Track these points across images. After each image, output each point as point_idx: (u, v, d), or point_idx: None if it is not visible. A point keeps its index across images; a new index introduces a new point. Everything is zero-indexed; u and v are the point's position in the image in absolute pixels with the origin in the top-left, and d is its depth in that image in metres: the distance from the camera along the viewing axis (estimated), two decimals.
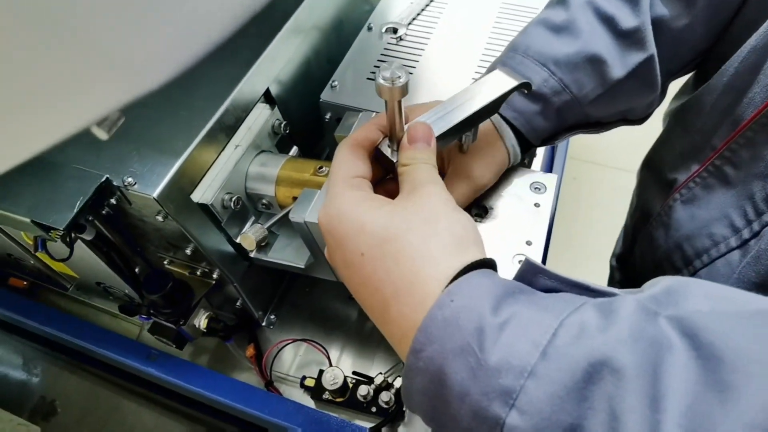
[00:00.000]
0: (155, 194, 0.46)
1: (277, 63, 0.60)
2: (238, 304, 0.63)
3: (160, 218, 0.48)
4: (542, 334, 0.25)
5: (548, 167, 0.83)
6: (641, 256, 0.58)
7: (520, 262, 0.46)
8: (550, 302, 0.27)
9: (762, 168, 0.41)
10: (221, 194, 0.53)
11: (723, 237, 0.44)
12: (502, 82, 0.43)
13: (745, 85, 0.43)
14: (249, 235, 0.46)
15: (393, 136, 0.39)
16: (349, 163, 0.37)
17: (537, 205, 0.50)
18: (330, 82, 0.64)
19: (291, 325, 0.71)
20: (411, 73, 0.66)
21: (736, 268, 0.42)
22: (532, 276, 0.31)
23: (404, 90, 0.33)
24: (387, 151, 0.40)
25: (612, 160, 1.74)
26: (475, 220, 0.49)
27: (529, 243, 0.47)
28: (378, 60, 0.68)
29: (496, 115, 0.47)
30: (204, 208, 0.52)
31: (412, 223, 0.31)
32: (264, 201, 0.57)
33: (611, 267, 0.70)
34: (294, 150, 0.65)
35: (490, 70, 0.50)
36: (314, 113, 0.66)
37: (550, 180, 0.52)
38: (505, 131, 0.48)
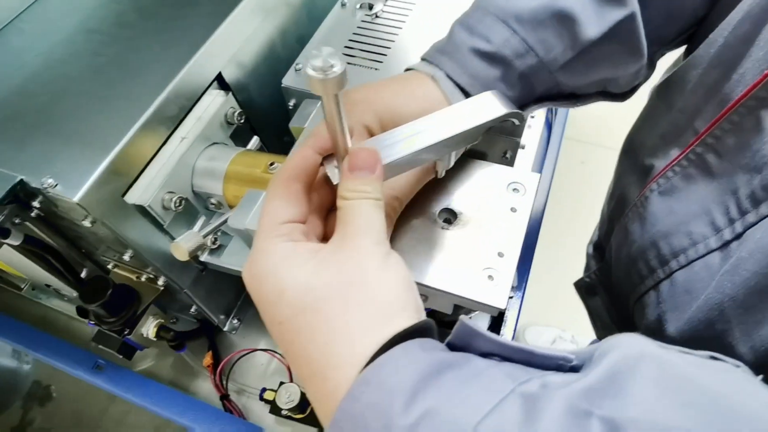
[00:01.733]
0: (77, 198, 0.41)
1: (232, 44, 0.54)
2: (192, 310, 0.58)
3: (87, 223, 0.43)
4: None
5: (544, 149, 0.76)
6: (617, 249, 0.51)
7: (490, 277, 0.40)
8: (476, 387, 0.23)
9: (748, 159, 0.34)
10: (161, 194, 0.48)
11: (702, 236, 0.38)
12: (487, 108, 0.37)
13: (735, 59, 0.36)
14: (180, 245, 0.41)
15: (337, 150, 0.32)
16: (277, 206, 0.31)
17: (513, 209, 0.43)
18: (294, 64, 0.57)
19: (259, 330, 0.66)
20: (384, 61, 0.59)
21: (715, 273, 0.36)
22: (469, 338, 0.27)
23: (340, 82, 0.27)
24: (333, 174, 0.33)
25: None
26: (442, 227, 0.43)
27: (500, 255, 0.41)
28: (350, 39, 0.61)
29: (445, 81, 0.40)
30: (142, 209, 0.47)
31: (333, 288, 0.27)
32: (213, 200, 0.51)
33: (587, 255, 0.64)
34: (254, 142, 0.59)
35: (450, 33, 0.42)
36: (280, 100, 0.59)
37: (531, 180, 0.45)
38: (457, 101, 0.40)
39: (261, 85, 0.59)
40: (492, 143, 0.53)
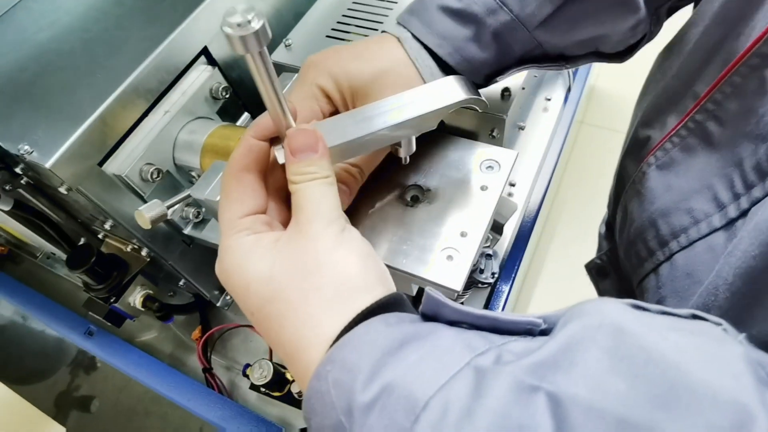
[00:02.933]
0: (49, 164, 0.42)
1: (217, 18, 0.54)
2: (181, 283, 0.59)
3: (63, 190, 0.44)
4: (406, 417, 0.21)
5: (565, 132, 0.71)
6: (619, 230, 0.47)
7: (449, 257, 0.38)
8: (434, 360, 0.23)
9: (752, 125, 0.30)
10: (140, 165, 0.48)
11: (704, 214, 0.34)
12: (446, 93, 0.35)
13: (742, 14, 0.32)
14: (142, 213, 0.41)
15: (278, 127, 0.31)
16: (233, 201, 0.31)
17: (484, 188, 0.41)
18: (284, 40, 0.56)
19: None
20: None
21: (719, 256, 0.32)
22: (436, 308, 0.27)
23: (260, 38, 0.26)
24: (280, 155, 0.32)
25: None
26: (407, 205, 0.41)
27: (463, 234, 0.39)
28: (343, 15, 0.59)
29: (411, 42, 0.38)
30: (122, 180, 0.48)
31: (292, 277, 0.28)
32: (193, 173, 0.51)
33: (599, 235, 0.59)
34: (245, 118, 0.58)
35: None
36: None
37: (507, 157, 0.42)
38: (425, 66, 0.38)
39: None
40: (479, 121, 0.50)
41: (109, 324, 0.56)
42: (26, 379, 0.57)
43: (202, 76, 0.53)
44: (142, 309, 0.56)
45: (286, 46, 0.56)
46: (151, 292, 0.57)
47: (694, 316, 0.23)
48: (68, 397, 0.56)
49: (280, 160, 0.32)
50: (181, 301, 0.65)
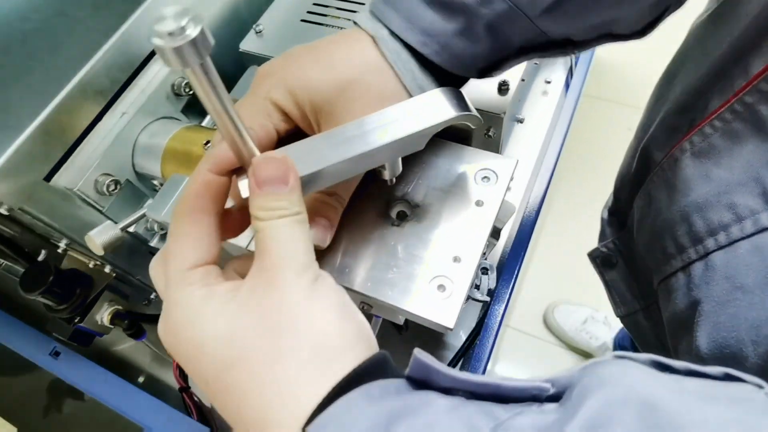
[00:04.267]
0: None
1: (177, 4, 0.47)
2: (152, 296, 0.55)
3: (3, 211, 0.39)
4: None
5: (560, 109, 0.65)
6: (639, 219, 0.43)
7: (440, 287, 0.33)
8: None
9: None
10: (94, 176, 0.43)
11: (750, 210, 0.30)
12: (435, 110, 0.30)
13: None
14: (93, 238, 0.36)
15: (238, 156, 0.26)
16: (183, 248, 0.26)
17: (479, 203, 0.36)
18: (254, 26, 0.50)
19: None
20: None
21: (767, 258, 0.29)
22: (427, 374, 0.23)
23: (199, 47, 0.20)
24: (243, 188, 0.27)
25: None
26: (393, 224, 0.36)
27: (457, 260, 0.34)
28: None
29: (389, 42, 0.32)
30: (74, 194, 0.42)
31: (257, 337, 0.24)
32: (155, 181, 0.46)
33: (602, 221, 0.55)
34: None
35: None
36: (244, 67, 0.53)
37: (505, 168, 0.37)
38: (406, 70, 0.32)
39: (222, 52, 0.53)
40: None
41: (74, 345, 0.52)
42: None
43: (162, 71, 0.47)
44: (111, 326, 0.52)
45: (257, 32, 0.50)
46: (120, 308, 0.53)
47: (728, 376, 0.20)
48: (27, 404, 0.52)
49: (244, 194, 0.27)
50: (157, 309, 0.61)
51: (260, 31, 0.50)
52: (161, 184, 0.46)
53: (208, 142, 0.41)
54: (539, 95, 0.65)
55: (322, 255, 0.35)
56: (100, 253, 0.37)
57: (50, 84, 0.40)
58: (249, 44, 0.50)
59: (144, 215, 0.39)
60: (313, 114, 0.31)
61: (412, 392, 0.23)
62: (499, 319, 0.45)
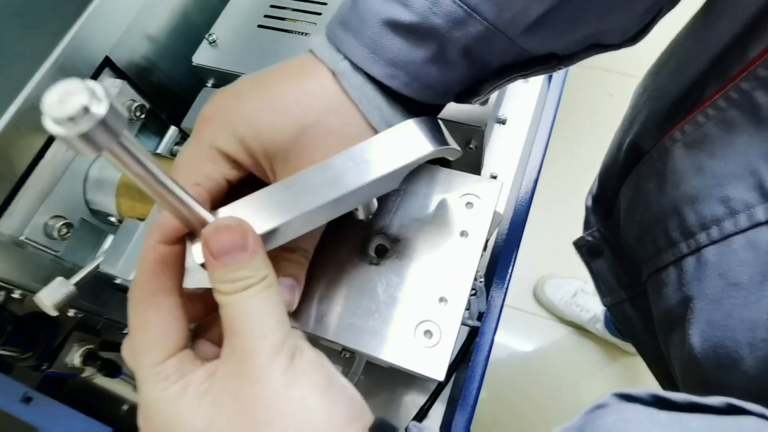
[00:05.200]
0: None
1: (119, 17, 0.43)
2: (125, 330, 0.52)
3: None
4: None
5: (548, 83, 0.62)
6: (627, 209, 0.42)
7: (427, 333, 0.31)
8: None
9: None
10: (42, 220, 0.39)
11: (745, 205, 0.29)
12: (410, 145, 0.27)
13: None
14: (42, 300, 0.33)
15: (187, 225, 0.23)
16: (151, 341, 0.24)
17: (464, 233, 0.33)
18: (207, 35, 0.46)
19: None
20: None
21: (763, 254, 0.28)
22: None
23: (112, 125, 0.16)
24: (198, 254, 0.24)
25: None
26: (371, 263, 0.33)
27: (443, 300, 0.31)
28: None
29: (351, 76, 0.28)
30: (22, 243, 0.39)
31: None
32: (112, 218, 0.42)
33: (586, 209, 0.53)
34: (171, 135, 0.48)
35: None
36: (198, 78, 0.49)
37: (489, 192, 0.34)
38: (372, 107, 0.28)
39: (173, 63, 0.48)
40: (452, 134, 0.42)
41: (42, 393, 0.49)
42: None
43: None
44: (84, 367, 0.49)
45: (210, 42, 0.45)
46: (92, 347, 0.49)
47: (731, 407, 0.19)
48: None
49: (198, 260, 0.24)
50: None
51: (214, 41, 0.45)
52: (119, 221, 0.43)
53: None
54: (519, 83, 0.62)
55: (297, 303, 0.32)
56: (53, 314, 0.34)
57: None
58: (203, 56, 0.45)
59: (97, 267, 0.35)
60: (267, 161, 0.27)
61: None
62: (489, 340, 0.43)
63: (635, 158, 0.40)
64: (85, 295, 0.45)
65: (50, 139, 0.40)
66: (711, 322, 0.30)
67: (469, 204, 0.34)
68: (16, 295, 0.43)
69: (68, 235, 0.40)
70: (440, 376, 0.29)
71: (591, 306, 1.32)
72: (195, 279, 0.27)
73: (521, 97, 0.55)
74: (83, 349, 0.49)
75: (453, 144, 0.28)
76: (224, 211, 0.25)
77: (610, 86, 1.56)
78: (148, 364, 0.23)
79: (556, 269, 1.43)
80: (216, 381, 0.23)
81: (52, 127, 0.16)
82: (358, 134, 0.28)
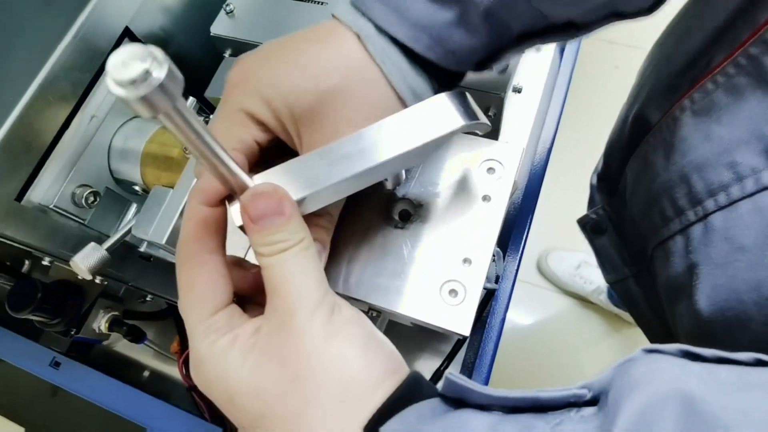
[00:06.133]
0: None
1: None
2: (148, 298, 0.53)
3: None
4: None
5: (560, 53, 0.62)
6: (633, 183, 0.42)
7: (452, 292, 0.32)
8: None
9: None
10: (70, 189, 0.40)
11: (751, 169, 0.29)
12: (442, 119, 0.27)
13: None
14: (78, 264, 0.34)
15: (227, 187, 0.24)
16: (199, 296, 0.25)
17: (486, 198, 0.34)
18: (224, 5, 0.46)
19: None
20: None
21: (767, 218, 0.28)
22: (461, 393, 0.22)
23: (169, 89, 0.17)
24: (237, 216, 0.25)
25: None
26: (396, 227, 0.34)
27: (467, 261, 0.32)
28: None
29: (376, 40, 0.28)
30: (52, 210, 0.40)
31: (283, 387, 0.23)
32: (136, 187, 0.43)
33: (591, 186, 0.54)
34: (189, 103, 0.49)
35: None
36: (214, 50, 0.49)
37: (511, 157, 0.35)
38: (395, 70, 0.29)
39: (191, 35, 0.48)
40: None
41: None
42: None
43: None
44: (110, 333, 0.51)
45: (227, 13, 0.46)
46: (117, 313, 0.51)
47: (759, 362, 0.19)
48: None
49: (237, 222, 0.25)
50: (155, 306, 0.60)
51: (231, 11, 0.46)
52: (144, 190, 0.44)
53: None
54: (532, 51, 0.62)
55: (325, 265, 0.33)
56: (88, 277, 0.35)
57: (5, 95, 0.36)
58: (220, 27, 0.45)
59: (129, 232, 0.36)
60: (292, 124, 0.28)
61: (448, 413, 0.22)
62: (505, 304, 0.44)
63: (641, 130, 0.40)
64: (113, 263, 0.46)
65: (74, 110, 0.40)
66: (716, 287, 0.31)
67: (490, 169, 0.35)
68: (45, 262, 0.44)
69: (95, 203, 0.41)
70: (466, 332, 0.31)
71: (594, 278, 1.34)
72: (234, 244, 0.28)
73: (534, 66, 0.55)
74: (109, 315, 0.51)
75: (483, 118, 0.29)
76: (260, 178, 0.26)
77: (617, 59, 1.55)
78: (197, 319, 0.25)
79: (559, 242, 1.44)
80: (260, 336, 0.24)
81: (114, 89, 0.17)
82: (382, 98, 0.29)
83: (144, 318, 0.55)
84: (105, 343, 0.58)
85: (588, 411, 0.20)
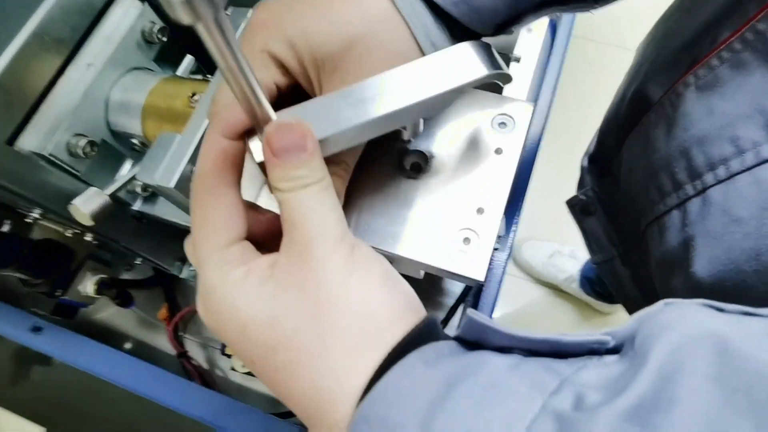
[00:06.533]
0: None
1: None
2: (137, 261, 0.52)
3: None
4: None
5: (549, 48, 0.64)
6: (630, 161, 0.43)
7: (466, 240, 0.33)
8: (497, 408, 0.19)
9: None
10: (65, 137, 0.39)
11: (752, 142, 0.29)
12: (466, 67, 0.27)
13: None
14: (79, 208, 0.33)
15: (250, 115, 0.23)
16: (213, 227, 0.24)
17: (499, 151, 0.34)
18: None
19: None
20: None
21: (765, 190, 0.29)
22: (481, 334, 0.22)
23: (212, 1, 0.17)
24: (257, 151, 0.24)
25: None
26: (409, 177, 0.34)
27: (480, 211, 0.33)
28: None
29: None
30: (43, 158, 0.38)
31: (300, 317, 0.23)
32: (135, 140, 0.42)
33: (582, 169, 0.55)
34: (187, 63, 0.48)
35: None
36: None
37: (522, 113, 0.36)
38: (420, 24, 0.29)
39: None
40: None
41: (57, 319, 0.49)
42: None
43: (129, 15, 0.42)
44: (97, 296, 0.49)
45: None
46: (105, 276, 0.49)
47: None
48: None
49: (258, 158, 0.24)
50: (139, 275, 0.58)
51: None
52: (142, 143, 0.42)
53: (194, 94, 0.38)
54: (524, 32, 0.63)
55: None
56: (89, 223, 0.34)
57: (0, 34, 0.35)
58: None
59: (133, 179, 0.35)
60: (314, 70, 0.28)
61: (467, 353, 0.22)
62: (503, 264, 0.45)
63: (641, 107, 0.41)
64: (103, 220, 0.45)
65: (71, 56, 0.39)
66: (713, 258, 0.31)
67: (502, 124, 0.35)
68: (35, 214, 0.42)
69: (93, 153, 0.39)
70: (481, 277, 0.31)
71: (567, 267, 1.38)
72: (246, 189, 0.28)
73: (529, 39, 0.57)
74: (97, 277, 0.49)
75: (506, 69, 0.29)
76: (283, 114, 0.26)
77: (590, 56, 1.59)
78: (209, 250, 0.24)
79: (534, 232, 1.47)
80: (277, 269, 0.23)
81: None
82: (406, 51, 0.29)
83: (131, 285, 0.54)
84: (84, 310, 0.56)
85: (610, 359, 0.20)
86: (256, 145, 0.25)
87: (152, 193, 0.45)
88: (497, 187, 0.33)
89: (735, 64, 0.31)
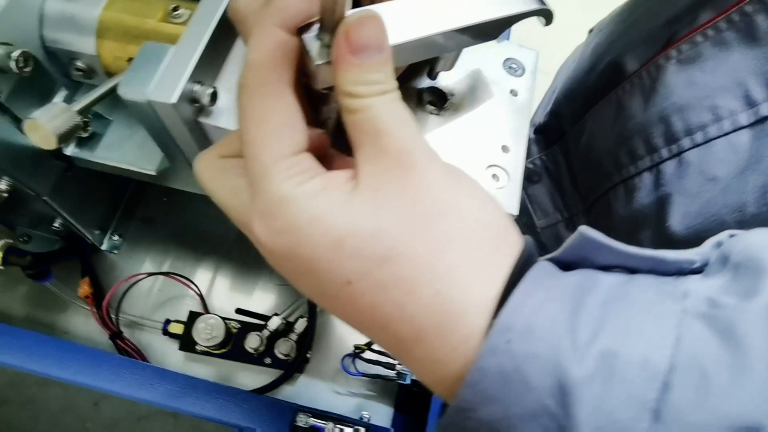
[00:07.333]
0: None
1: None
2: (56, 224, 0.42)
3: None
4: (648, 386, 0.17)
5: None
6: (593, 129, 0.46)
7: (494, 176, 0.32)
8: (637, 315, 0.18)
9: None
10: None
11: (729, 111, 0.33)
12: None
13: None
14: (40, 123, 0.25)
15: (324, 10, 0.20)
16: (277, 130, 0.20)
17: (514, 92, 0.35)
18: None
19: (144, 248, 0.51)
20: None
21: (742, 153, 0.32)
22: (587, 251, 0.21)
23: None
24: (315, 50, 0.21)
25: None
26: (431, 112, 0.33)
27: (505, 149, 0.33)
28: None
29: None
30: None
31: (413, 226, 0.20)
32: (79, 64, 0.34)
33: (528, 140, 0.59)
34: None
35: None
36: None
37: (529, 58, 0.36)
38: None
39: None
40: None
41: None
42: None
43: None
44: (2, 267, 0.39)
45: None
46: (11, 241, 0.39)
47: None
48: None
49: (317, 58, 0.21)
50: (39, 247, 0.47)
51: None
52: (88, 67, 0.34)
53: (176, 8, 0.32)
54: None
55: None
56: (52, 146, 0.26)
57: None
58: None
59: (111, 91, 0.28)
60: None
61: (573, 271, 0.21)
62: None
63: (614, 77, 0.43)
64: (23, 163, 0.35)
65: None
66: (688, 213, 0.34)
67: (511, 68, 0.36)
68: None
69: (26, 70, 0.31)
70: (515, 211, 0.31)
71: None
72: None
73: None
74: (3, 242, 0.39)
75: (550, 7, 0.30)
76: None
77: None
78: (274, 156, 0.20)
79: None
80: (364, 180, 0.20)
81: None
82: None
83: (41, 258, 0.43)
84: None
85: (700, 276, 0.20)
86: (313, 42, 0.21)
87: (92, 134, 0.37)
88: (518, 127, 0.34)
89: (717, 41, 0.34)
